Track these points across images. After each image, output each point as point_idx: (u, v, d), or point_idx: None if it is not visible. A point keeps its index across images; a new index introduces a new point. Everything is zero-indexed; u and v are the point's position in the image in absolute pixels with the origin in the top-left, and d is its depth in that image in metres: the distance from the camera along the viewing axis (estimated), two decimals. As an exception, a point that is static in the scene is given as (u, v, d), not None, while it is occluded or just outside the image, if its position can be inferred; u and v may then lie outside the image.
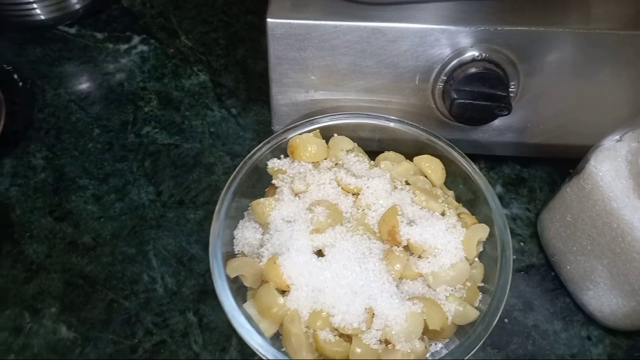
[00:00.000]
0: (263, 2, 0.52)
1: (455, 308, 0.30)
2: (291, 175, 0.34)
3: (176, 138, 0.45)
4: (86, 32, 0.51)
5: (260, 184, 0.37)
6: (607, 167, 0.32)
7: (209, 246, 0.32)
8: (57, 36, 0.51)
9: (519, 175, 0.44)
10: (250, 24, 0.52)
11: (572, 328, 0.38)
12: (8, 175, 0.43)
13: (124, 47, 0.50)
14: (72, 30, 0.51)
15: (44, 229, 0.41)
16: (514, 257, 0.40)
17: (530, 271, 0.40)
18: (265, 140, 0.36)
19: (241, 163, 0.35)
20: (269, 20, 0.34)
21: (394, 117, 0.35)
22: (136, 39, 0.51)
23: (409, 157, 0.37)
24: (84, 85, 0.48)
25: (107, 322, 0.37)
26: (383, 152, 0.38)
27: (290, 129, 0.36)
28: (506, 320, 0.38)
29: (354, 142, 0.37)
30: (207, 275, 0.39)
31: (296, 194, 0.33)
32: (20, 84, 0.48)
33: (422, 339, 0.30)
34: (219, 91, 0.48)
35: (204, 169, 0.44)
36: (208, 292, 0.38)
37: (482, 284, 0.33)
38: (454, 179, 0.37)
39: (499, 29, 0.33)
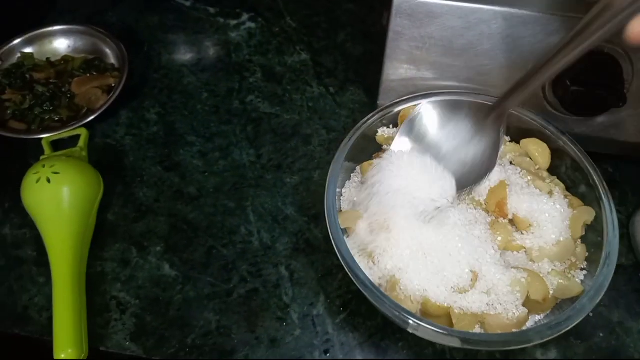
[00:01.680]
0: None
1: (559, 282, 0.31)
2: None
3: (277, 109, 0.48)
4: (200, 6, 0.55)
5: (366, 150, 0.39)
6: None
7: (325, 199, 0.33)
8: (173, 7, 0.55)
9: (610, 178, 0.45)
10: (351, 11, 0.55)
11: (656, 329, 0.37)
12: (124, 125, 0.47)
13: (233, 22, 0.54)
14: (188, 3, 0.55)
15: (154, 176, 0.44)
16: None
17: (619, 271, 0.40)
18: (376, 111, 0.38)
19: (353, 129, 0.37)
20: (396, -4, 0.36)
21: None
22: (245, 16, 0.54)
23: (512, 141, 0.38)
24: (195, 54, 0.52)
25: (206, 265, 0.40)
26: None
27: (399, 102, 0.38)
28: (591, 315, 0.38)
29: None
30: (299, 234, 0.41)
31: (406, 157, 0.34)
32: (139, 46, 0.52)
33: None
34: (318, 70, 0.51)
35: (301, 139, 0.46)
36: (300, 251, 0.40)
37: (584, 266, 0.33)
38: (557, 169, 0.37)
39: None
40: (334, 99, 0.49)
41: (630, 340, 0.37)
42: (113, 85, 0.47)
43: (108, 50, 0.49)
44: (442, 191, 0.32)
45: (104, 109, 0.45)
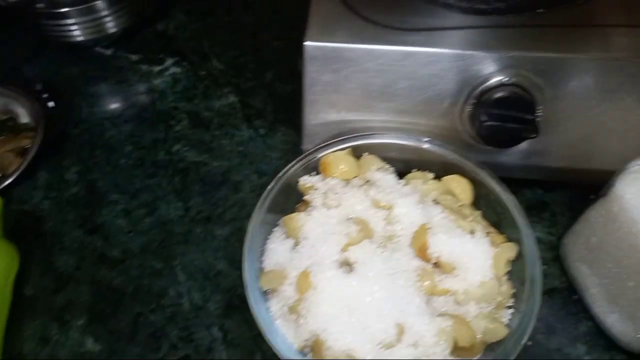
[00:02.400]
0: (291, 29, 0.54)
1: (485, 325, 0.30)
2: (323, 191, 0.35)
3: (205, 156, 0.47)
4: (121, 53, 0.53)
5: (290, 200, 0.38)
6: (633, 190, 0.33)
7: (242, 260, 0.32)
8: (93, 56, 0.53)
9: (541, 199, 0.45)
10: (278, 49, 0.54)
11: (595, 352, 0.37)
12: (42, 187, 0.45)
13: (157, 68, 0.52)
14: (108, 52, 0.54)
15: (75, 241, 0.42)
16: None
17: (553, 294, 0.40)
18: (297, 158, 0.37)
19: (275, 179, 0.36)
20: (306, 43, 0.35)
21: (425, 138, 0.36)
22: (169, 61, 0.53)
23: (435, 178, 0.38)
24: (118, 104, 0.50)
25: (132, 334, 0.37)
26: (409, 172, 0.38)
27: (321, 147, 0.37)
28: (530, 343, 0.38)
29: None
30: (232, 290, 0.39)
31: (328, 209, 0.34)
32: (56, 101, 0.49)
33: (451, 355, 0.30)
34: (247, 112, 0.50)
35: (231, 186, 0.45)
36: (233, 308, 0.39)
37: (511, 303, 0.33)
38: (479, 201, 0.37)
39: (527, 55, 0.34)
40: (264, 140, 0.48)
41: (570, 366, 0.37)
42: (28, 146, 0.45)
43: (21, 109, 0.47)
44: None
45: (17, 173, 0.43)
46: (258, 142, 0.48)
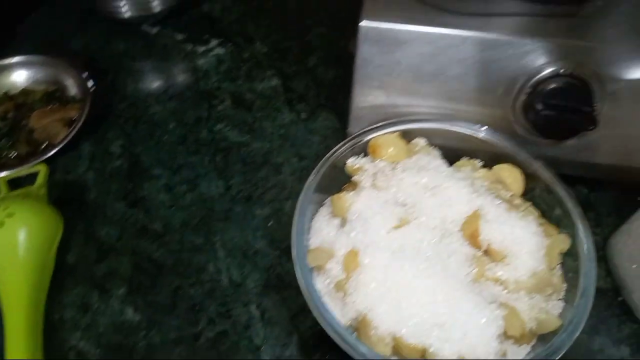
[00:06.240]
0: (336, 15, 0.54)
1: (536, 316, 0.30)
2: (372, 172, 0.35)
3: (247, 137, 0.47)
4: (167, 32, 0.54)
5: (335, 181, 0.37)
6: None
7: (292, 236, 0.32)
8: (139, 34, 0.54)
9: (585, 199, 0.44)
10: (322, 35, 0.54)
11: (639, 354, 0.36)
12: (86, 159, 0.45)
13: (201, 48, 0.53)
14: (154, 30, 0.54)
15: (117, 213, 0.42)
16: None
17: (598, 295, 0.39)
18: (346, 139, 0.37)
19: (323, 159, 0.36)
20: (362, 23, 0.35)
21: (481, 126, 0.36)
22: (214, 42, 0.53)
23: (483, 167, 0.37)
24: (162, 82, 0.50)
25: (171, 307, 0.37)
26: (456, 161, 0.38)
27: (370, 130, 0.37)
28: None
29: (429, 148, 0.38)
30: (270, 270, 0.39)
31: (378, 191, 0.33)
32: (103, 75, 0.50)
33: (503, 341, 0.29)
34: (289, 96, 0.50)
35: (272, 168, 0.45)
36: (271, 287, 0.38)
37: (562, 296, 0.32)
38: (528, 194, 0.36)
39: (587, 44, 0.34)
40: (306, 125, 0.48)
41: (613, 368, 0.36)
42: (75, 117, 0.45)
43: (70, 81, 0.48)
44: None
45: (64, 143, 0.43)
46: (299, 126, 0.48)
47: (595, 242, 0.42)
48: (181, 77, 0.50)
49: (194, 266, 0.39)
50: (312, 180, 0.34)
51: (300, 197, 0.33)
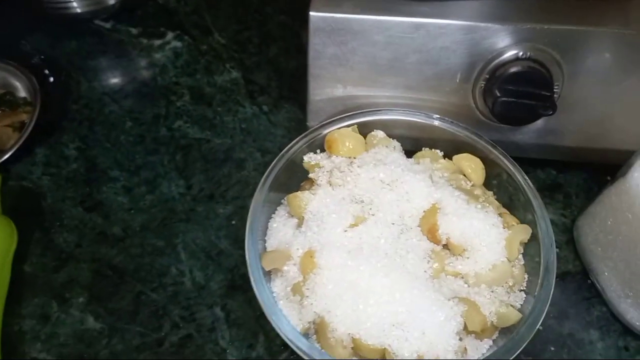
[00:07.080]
0: (297, 2, 0.52)
1: (497, 310, 0.29)
2: (329, 169, 0.34)
3: (207, 133, 0.45)
4: (121, 27, 0.52)
5: (294, 178, 0.36)
6: (654, 171, 0.31)
7: (246, 238, 0.31)
8: (92, 30, 0.51)
9: (554, 181, 0.43)
10: (283, 24, 0.52)
11: (608, 338, 0.36)
12: (40, 164, 0.43)
13: (157, 42, 0.51)
14: (107, 25, 0.52)
15: (75, 219, 0.41)
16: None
17: (566, 278, 0.39)
18: (302, 135, 0.36)
19: (278, 157, 0.35)
20: (311, 13, 0.34)
21: (435, 115, 0.35)
22: (170, 35, 0.51)
23: (445, 157, 0.36)
24: (118, 79, 0.48)
25: (134, 313, 0.37)
26: (417, 151, 0.37)
27: (326, 124, 0.36)
28: (541, 328, 0.37)
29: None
30: (235, 270, 0.39)
31: (334, 188, 0.32)
32: (55, 76, 0.48)
33: (463, 338, 0.29)
34: (250, 88, 0.48)
35: (234, 164, 0.44)
36: (236, 288, 0.38)
37: (523, 287, 0.32)
38: (490, 182, 0.36)
39: (545, 27, 0.33)
40: (268, 118, 0.46)
41: (582, 352, 0.36)
42: (26, 121, 0.44)
43: (19, 83, 0.46)
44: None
45: (15, 148, 0.41)
46: (262, 120, 0.46)
47: (565, 225, 0.42)
48: (137, 73, 0.49)
49: (156, 270, 0.39)
50: (267, 178, 0.33)
51: (254, 197, 0.33)
